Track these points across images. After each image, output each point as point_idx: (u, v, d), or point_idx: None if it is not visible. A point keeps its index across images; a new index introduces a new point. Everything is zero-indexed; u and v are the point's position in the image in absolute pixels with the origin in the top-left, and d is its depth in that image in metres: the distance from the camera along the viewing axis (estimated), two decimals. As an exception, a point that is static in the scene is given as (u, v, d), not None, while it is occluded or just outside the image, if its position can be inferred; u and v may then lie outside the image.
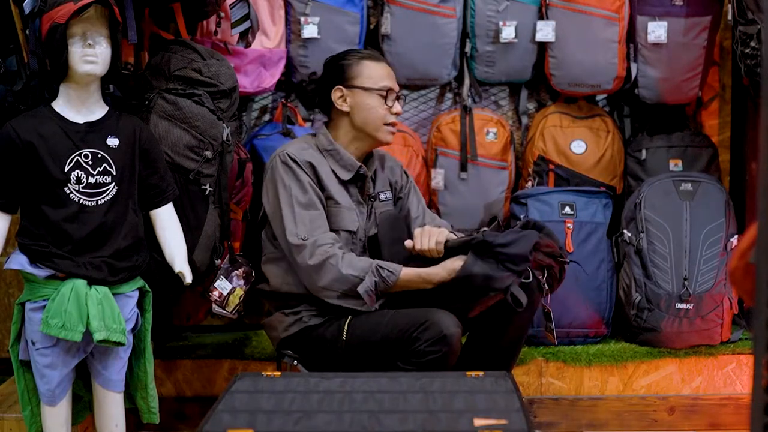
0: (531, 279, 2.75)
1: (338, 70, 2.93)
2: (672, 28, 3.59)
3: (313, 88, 3.05)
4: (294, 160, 2.81)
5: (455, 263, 2.71)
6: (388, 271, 2.72)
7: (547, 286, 2.80)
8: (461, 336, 2.64)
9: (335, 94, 2.91)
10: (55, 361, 2.53)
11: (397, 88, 2.96)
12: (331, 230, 2.82)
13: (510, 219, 3.67)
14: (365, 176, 2.92)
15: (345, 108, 2.91)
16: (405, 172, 3.12)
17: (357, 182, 2.92)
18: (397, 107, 2.94)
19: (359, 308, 2.73)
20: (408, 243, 2.84)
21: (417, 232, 2.84)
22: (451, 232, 2.87)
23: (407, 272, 2.73)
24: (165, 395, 3.24)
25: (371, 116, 2.90)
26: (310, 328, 2.80)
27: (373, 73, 2.92)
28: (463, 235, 2.86)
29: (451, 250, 2.76)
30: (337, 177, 2.88)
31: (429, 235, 2.80)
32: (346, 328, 2.75)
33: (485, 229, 2.91)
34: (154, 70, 2.91)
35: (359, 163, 2.91)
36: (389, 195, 3.02)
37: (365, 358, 2.71)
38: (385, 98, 2.90)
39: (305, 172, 2.81)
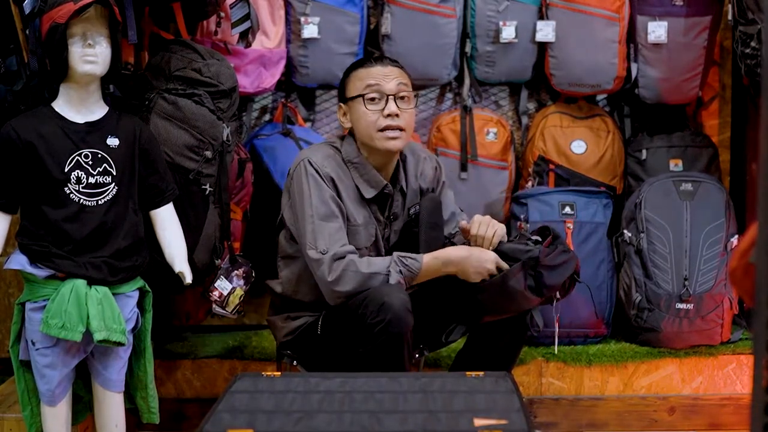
0: (554, 303, 2.77)
1: (340, 89, 2.84)
2: (672, 28, 3.59)
3: None
4: (317, 171, 2.69)
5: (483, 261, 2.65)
6: (411, 258, 2.65)
7: (558, 296, 2.79)
8: (408, 305, 2.54)
9: (339, 113, 2.83)
10: (55, 361, 2.53)
11: (389, 87, 2.72)
12: None
13: (510, 219, 3.67)
14: (388, 195, 2.80)
15: (347, 124, 2.79)
16: (438, 166, 2.97)
17: (379, 201, 2.80)
18: (390, 107, 2.71)
19: None
20: (463, 224, 2.76)
21: (477, 217, 2.76)
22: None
23: (429, 257, 2.66)
24: (165, 395, 3.23)
25: (362, 125, 2.73)
26: (309, 329, 2.80)
27: (358, 79, 2.75)
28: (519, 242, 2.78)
29: (499, 252, 2.71)
30: (359, 193, 2.76)
31: (489, 225, 2.73)
32: (320, 323, 2.73)
33: (537, 238, 2.77)
34: (154, 70, 2.90)
35: (385, 181, 2.78)
36: (418, 208, 2.87)
37: (343, 350, 2.68)
38: (371, 100, 2.72)
39: (326, 185, 2.69)
